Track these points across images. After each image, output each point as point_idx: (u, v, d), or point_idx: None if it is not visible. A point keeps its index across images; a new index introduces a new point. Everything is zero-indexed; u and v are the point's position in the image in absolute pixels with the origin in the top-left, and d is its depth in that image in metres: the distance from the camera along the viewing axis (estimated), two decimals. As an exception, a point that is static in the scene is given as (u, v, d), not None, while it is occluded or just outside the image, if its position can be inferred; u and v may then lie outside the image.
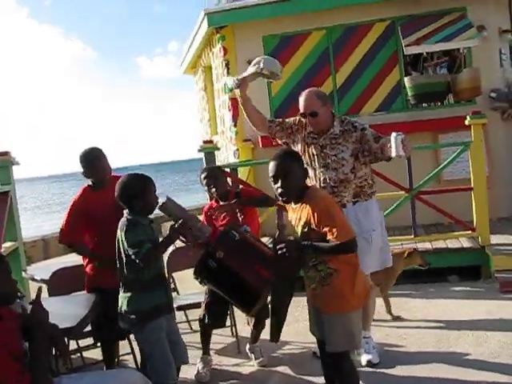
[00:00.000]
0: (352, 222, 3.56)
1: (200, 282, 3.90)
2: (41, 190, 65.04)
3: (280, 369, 4.21)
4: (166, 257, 4.53)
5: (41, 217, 30.39)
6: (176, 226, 3.27)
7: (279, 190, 3.02)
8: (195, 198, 25.97)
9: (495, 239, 6.20)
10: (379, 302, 5.30)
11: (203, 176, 4.57)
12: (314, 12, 7.99)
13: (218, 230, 4.49)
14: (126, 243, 3.20)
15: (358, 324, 3.10)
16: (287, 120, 4.22)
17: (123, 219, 3.32)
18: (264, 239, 6.94)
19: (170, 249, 4.51)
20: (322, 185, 3.91)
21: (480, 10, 7.62)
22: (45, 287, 4.54)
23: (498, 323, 4.64)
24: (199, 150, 6.93)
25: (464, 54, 7.88)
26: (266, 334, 4.49)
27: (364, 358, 4.10)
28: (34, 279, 5.04)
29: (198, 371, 4.16)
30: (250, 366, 4.33)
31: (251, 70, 4.18)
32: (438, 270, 6.09)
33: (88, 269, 4.14)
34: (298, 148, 4.10)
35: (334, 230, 2.84)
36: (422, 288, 5.78)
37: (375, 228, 4.05)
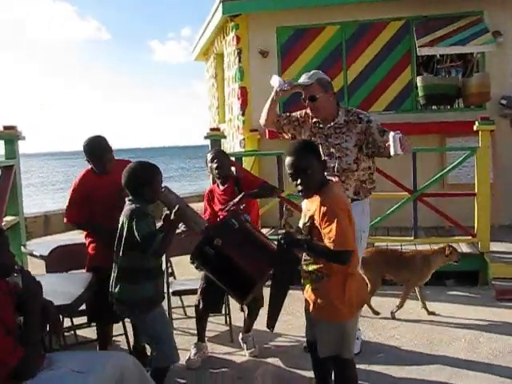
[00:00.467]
0: None
1: (196, 268, 3.92)
2: (48, 166, 65.15)
3: (271, 360, 4.22)
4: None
5: (45, 193, 30.49)
6: (172, 216, 3.26)
7: (299, 187, 2.92)
8: (199, 184, 26.04)
9: (495, 246, 6.19)
10: (373, 299, 5.33)
11: (209, 155, 4.57)
12: (329, 6, 7.96)
13: (217, 216, 4.51)
14: (138, 233, 3.17)
15: (350, 333, 2.98)
16: (293, 114, 4.28)
17: (130, 207, 3.28)
18: (264, 230, 6.97)
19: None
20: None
21: (497, 16, 7.56)
22: (43, 263, 4.59)
23: (491, 330, 4.64)
24: (205, 137, 6.93)
25: (477, 59, 7.83)
26: (259, 325, 4.52)
27: None
28: (32, 255, 5.06)
29: (189, 357, 4.17)
30: (241, 356, 4.34)
31: (304, 80, 4.07)
32: (436, 274, 6.07)
33: (90, 248, 4.15)
34: (303, 137, 4.15)
35: (332, 234, 2.74)
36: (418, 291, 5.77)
37: (365, 230, 4.09)
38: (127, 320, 4.06)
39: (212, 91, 11.87)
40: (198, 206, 4.60)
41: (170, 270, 5.02)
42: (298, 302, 4.20)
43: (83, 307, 3.85)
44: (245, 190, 4.38)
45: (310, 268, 2.94)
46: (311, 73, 4.09)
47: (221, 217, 4.44)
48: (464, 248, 6.30)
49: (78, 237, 4.49)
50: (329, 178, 3.05)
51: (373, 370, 3.99)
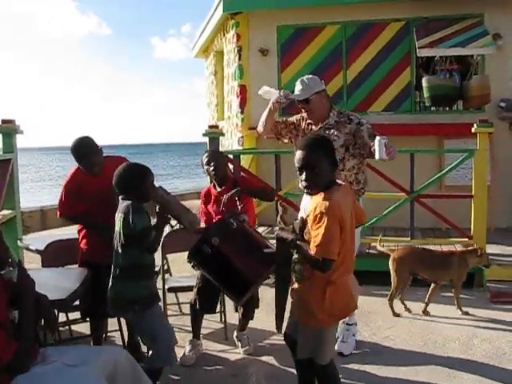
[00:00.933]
0: None
1: (192, 266, 3.92)
2: (45, 160, 65.05)
3: (265, 358, 4.23)
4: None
5: (42, 188, 30.46)
6: (160, 213, 3.30)
7: (303, 183, 2.86)
8: (197, 181, 26.04)
9: (491, 249, 6.19)
10: (368, 299, 5.34)
11: (205, 156, 4.57)
12: (330, 6, 7.96)
13: (212, 217, 4.51)
14: (134, 227, 3.18)
15: (328, 339, 2.94)
16: (290, 118, 4.38)
17: (127, 203, 3.28)
18: (260, 229, 6.97)
19: (166, 230, 4.52)
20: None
21: (497, 18, 7.56)
22: (39, 257, 4.59)
23: (485, 332, 4.66)
24: (204, 135, 6.93)
25: (477, 61, 7.84)
26: (254, 323, 4.53)
27: (336, 347, 4.11)
28: (28, 249, 5.05)
29: (184, 354, 4.18)
30: (235, 354, 4.35)
31: (299, 89, 4.10)
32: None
33: (82, 243, 4.15)
34: (299, 139, 4.19)
35: (318, 240, 2.70)
36: (413, 291, 5.77)
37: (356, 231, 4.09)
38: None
39: (211, 89, 11.85)
40: (196, 204, 4.60)
41: (165, 267, 5.02)
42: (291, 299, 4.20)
43: (78, 302, 3.85)
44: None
45: (296, 267, 2.90)
46: (306, 80, 4.11)
47: (216, 218, 4.45)
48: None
49: (74, 232, 4.48)
50: (339, 181, 2.98)
51: (367, 370, 4.00)
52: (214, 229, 3.73)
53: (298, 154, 2.87)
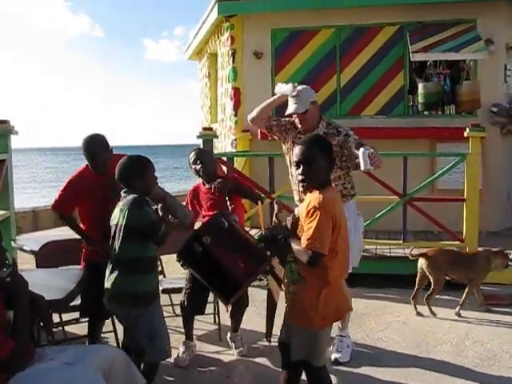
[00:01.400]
0: None
1: (182, 266, 3.93)
2: (37, 161, 64.85)
3: (259, 360, 4.25)
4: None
5: (33, 189, 30.33)
6: (160, 209, 3.32)
7: (299, 177, 2.93)
8: (189, 183, 26.02)
9: (483, 252, 6.23)
10: (362, 302, 5.37)
11: (191, 155, 4.55)
12: (324, 9, 8.00)
13: (201, 214, 4.52)
14: (141, 220, 3.20)
15: (322, 342, 2.96)
16: (283, 119, 4.37)
17: (132, 196, 3.30)
18: (252, 232, 6.99)
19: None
20: (298, 184, 3.98)
21: (489, 24, 7.62)
22: (32, 258, 4.59)
23: (477, 334, 4.70)
24: (198, 137, 6.93)
25: (469, 66, 7.90)
26: (247, 324, 4.55)
27: (333, 356, 4.17)
28: (23, 249, 5.04)
29: (178, 355, 4.19)
30: (229, 355, 4.36)
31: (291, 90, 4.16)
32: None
33: (84, 243, 4.17)
34: (285, 146, 4.33)
35: (309, 233, 2.75)
36: (407, 293, 5.80)
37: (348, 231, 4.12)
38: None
39: (205, 91, 11.87)
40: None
41: (159, 268, 5.02)
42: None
43: (74, 302, 3.84)
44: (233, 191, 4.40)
45: (293, 266, 2.92)
46: (296, 92, 4.11)
47: (204, 215, 4.47)
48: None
49: (67, 233, 4.48)
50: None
51: (359, 372, 4.03)
52: (205, 227, 3.74)
53: (297, 148, 2.95)
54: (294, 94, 4.10)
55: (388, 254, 6.55)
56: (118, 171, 3.38)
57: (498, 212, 7.69)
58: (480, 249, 5.75)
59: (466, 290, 5.23)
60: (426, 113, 8.15)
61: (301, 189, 3.30)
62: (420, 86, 7.75)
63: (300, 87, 4.15)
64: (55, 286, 3.51)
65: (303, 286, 2.89)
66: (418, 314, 5.19)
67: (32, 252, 4.72)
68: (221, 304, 4.69)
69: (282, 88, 4.26)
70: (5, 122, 5.42)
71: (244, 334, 4.50)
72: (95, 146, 4.00)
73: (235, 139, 8.44)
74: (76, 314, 4.36)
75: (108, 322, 4.23)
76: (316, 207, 2.77)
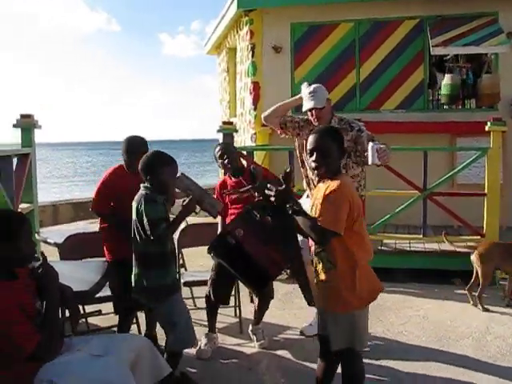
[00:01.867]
0: None
1: (213, 257, 3.97)
2: (56, 156, 65.48)
3: (280, 352, 4.27)
4: (176, 233, 4.59)
5: (52, 183, 30.67)
6: (187, 202, 3.36)
7: (313, 164, 3.00)
8: (207, 177, 26.11)
9: (503, 247, 6.20)
10: (382, 296, 5.36)
11: (217, 150, 4.61)
12: (343, 3, 7.99)
13: (230, 206, 4.56)
14: (145, 217, 3.27)
15: (361, 323, 2.99)
16: (297, 117, 4.53)
17: (141, 192, 3.39)
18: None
19: (182, 225, 4.57)
20: (314, 182, 4.02)
21: None
22: (55, 251, 4.65)
23: (498, 329, 4.69)
24: (218, 131, 6.96)
25: (490, 60, 7.84)
26: (268, 318, 4.58)
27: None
28: (46, 242, 5.11)
29: (200, 347, 4.23)
30: (250, 347, 4.40)
31: (307, 91, 4.28)
32: (444, 272, 6.13)
33: (106, 243, 4.25)
34: (298, 142, 4.48)
35: (324, 211, 2.84)
36: (427, 288, 5.83)
37: None
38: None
39: (223, 85, 11.89)
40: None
41: (181, 262, 5.07)
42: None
43: (99, 294, 3.89)
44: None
45: (323, 254, 2.97)
46: (312, 89, 4.23)
47: (232, 209, 4.51)
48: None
49: (87, 226, 4.55)
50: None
51: (380, 364, 4.04)
52: (237, 220, 3.77)
53: (311, 137, 3.05)
54: (311, 90, 4.21)
55: (408, 249, 6.55)
56: (140, 163, 3.44)
57: (518, 207, 7.63)
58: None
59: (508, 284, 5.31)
60: (446, 107, 8.11)
61: (313, 177, 3.34)
62: (447, 76, 7.67)
63: (315, 85, 4.29)
64: (80, 277, 3.56)
65: (334, 272, 2.94)
66: (474, 305, 5.23)
67: (56, 244, 4.78)
68: (242, 297, 4.73)
69: (303, 91, 4.35)
70: (29, 116, 5.50)
71: (265, 327, 4.53)
72: (134, 145, 4.14)
73: (255, 133, 8.46)
74: (99, 306, 4.42)
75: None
76: (335, 190, 2.86)
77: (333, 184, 2.90)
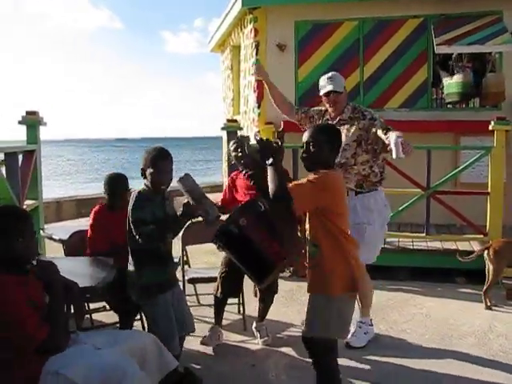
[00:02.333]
0: (350, 209, 3.66)
1: (218, 248, 3.99)
2: (58, 153, 65.55)
3: (284, 349, 4.30)
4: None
5: (54, 180, 30.70)
6: (190, 204, 3.36)
7: (302, 155, 3.09)
8: (211, 174, 26.14)
9: (506, 246, 6.21)
10: (385, 294, 5.39)
11: (232, 143, 4.63)
12: (348, 2, 7.99)
13: (236, 201, 4.57)
14: (130, 217, 3.31)
15: (339, 312, 2.96)
16: (312, 108, 4.55)
17: (135, 192, 3.41)
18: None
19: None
20: None
21: (516, 16, 7.55)
22: (60, 247, 4.68)
23: (500, 328, 4.71)
24: (222, 128, 6.99)
25: (494, 59, 7.83)
26: (272, 315, 4.60)
27: (347, 339, 4.18)
28: (51, 238, 5.14)
29: (204, 336, 4.30)
30: (254, 344, 4.42)
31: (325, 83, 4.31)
32: (447, 271, 6.15)
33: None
34: None
35: (298, 183, 2.97)
36: (430, 287, 5.85)
37: (372, 223, 4.19)
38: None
39: (227, 83, 11.90)
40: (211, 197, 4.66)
41: (184, 259, 5.09)
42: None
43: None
44: None
45: (308, 243, 3.05)
46: (334, 75, 4.28)
47: (242, 202, 4.52)
48: (475, 246, 6.35)
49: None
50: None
51: (383, 360, 4.07)
52: (242, 210, 3.78)
53: (306, 131, 3.15)
54: (329, 75, 4.27)
55: (411, 247, 6.56)
56: (142, 160, 3.45)
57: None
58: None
59: None
60: (449, 106, 8.11)
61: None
62: (459, 76, 7.67)
63: (332, 73, 4.33)
64: (85, 273, 3.59)
65: (319, 254, 2.99)
66: (488, 307, 5.21)
67: (61, 241, 4.81)
68: (246, 293, 4.75)
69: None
70: (34, 113, 5.53)
71: (269, 324, 4.55)
72: (117, 184, 4.31)
73: (258, 131, 8.46)
74: (103, 303, 4.45)
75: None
76: (318, 176, 2.95)
77: (315, 174, 2.98)
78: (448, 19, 7.73)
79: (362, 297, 4.30)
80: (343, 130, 4.14)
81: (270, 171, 2.98)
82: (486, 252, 5.33)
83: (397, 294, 5.54)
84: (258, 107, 8.47)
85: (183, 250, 4.99)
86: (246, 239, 3.51)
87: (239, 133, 7.57)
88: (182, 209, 3.36)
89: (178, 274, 4.26)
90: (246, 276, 3.91)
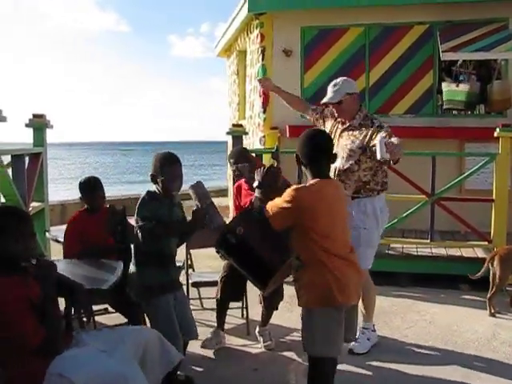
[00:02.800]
0: None
1: (220, 256, 4.01)
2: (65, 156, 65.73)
3: (286, 354, 4.30)
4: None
5: (59, 183, 30.78)
6: (200, 210, 3.40)
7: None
8: (216, 179, 26.15)
9: (510, 253, 6.20)
10: (389, 300, 5.39)
11: (232, 158, 4.66)
12: (354, 8, 7.99)
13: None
14: (135, 215, 3.35)
15: (322, 327, 2.93)
16: (326, 108, 4.55)
17: (145, 191, 3.47)
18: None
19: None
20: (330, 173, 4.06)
21: (522, 23, 7.56)
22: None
23: (505, 335, 4.69)
24: (228, 133, 7.01)
25: (500, 66, 7.84)
26: (275, 319, 4.61)
27: (351, 345, 4.20)
28: (56, 240, 5.16)
29: (206, 339, 4.31)
30: (257, 348, 4.43)
31: (331, 91, 4.32)
32: (450, 277, 6.14)
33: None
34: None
35: (275, 200, 3.04)
36: (433, 293, 5.84)
37: (367, 227, 4.18)
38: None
39: (233, 88, 11.93)
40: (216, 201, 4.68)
41: (189, 262, 5.11)
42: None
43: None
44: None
45: (294, 258, 3.07)
46: (340, 82, 4.26)
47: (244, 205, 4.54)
48: (479, 253, 6.35)
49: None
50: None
51: (387, 367, 4.07)
52: (238, 219, 3.80)
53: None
54: (334, 83, 4.26)
55: (415, 253, 6.56)
56: (152, 166, 3.49)
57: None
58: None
59: None
60: (454, 112, 8.12)
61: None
62: (465, 85, 7.69)
63: (341, 78, 4.29)
64: (93, 275, 3.61)
65: (303, 271, 3.01)
66: (492, 314, 5.20)
67: (65, 243, 4.82)
68: (250, 298, 4.76)
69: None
70: (41, 116, 5.57)
71: (272, 329, 4.56)
72: (93, 187, 4.43)
73: (263, 136, 8.48)
74: (105, 305, 4.46)
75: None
76: (291, 189, 2.97)
77: (291, 188, 2.99)
78: (454, 26, 7.74)
79: (365, 303, 4.30)
80: (351, 135, 4.17)
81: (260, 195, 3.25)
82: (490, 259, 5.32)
83: (400, 299, 5.54)
84: (264, 112, 8.49)
85: (187, 253, 5.00)
86: (244, 247, 3.53)
87: (244, 138, 7.60)
88: (191, 216, 3.40)
89: (182, 278, 4.27)
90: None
